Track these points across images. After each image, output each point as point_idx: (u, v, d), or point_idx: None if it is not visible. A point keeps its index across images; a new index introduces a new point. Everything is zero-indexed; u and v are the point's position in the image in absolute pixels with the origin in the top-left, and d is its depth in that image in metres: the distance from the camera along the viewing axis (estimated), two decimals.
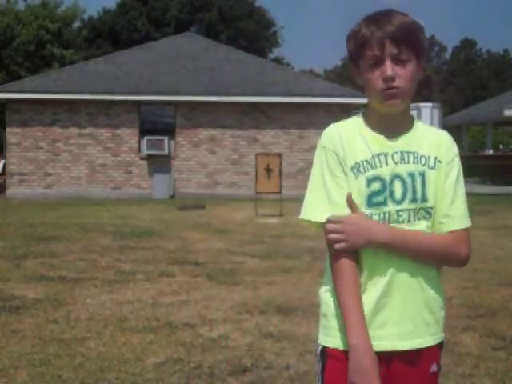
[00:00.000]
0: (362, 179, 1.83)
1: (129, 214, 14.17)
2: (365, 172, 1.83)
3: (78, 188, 20.02)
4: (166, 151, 19.88)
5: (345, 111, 20.58)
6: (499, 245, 9.82)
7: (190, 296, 6.30)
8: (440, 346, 1.92)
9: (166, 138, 19.91)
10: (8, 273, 7.43)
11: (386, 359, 1.83)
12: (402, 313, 1.83)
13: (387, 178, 1.83)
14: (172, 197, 19.78)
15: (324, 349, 1.90)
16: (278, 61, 45.92)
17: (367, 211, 1.82)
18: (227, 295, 6.34)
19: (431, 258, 1.84)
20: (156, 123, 20.79)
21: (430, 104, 22.00)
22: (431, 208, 1.84)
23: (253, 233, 11.20)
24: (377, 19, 1.80)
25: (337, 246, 1.77)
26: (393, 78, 1.77)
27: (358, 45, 1.82)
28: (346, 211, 1.82)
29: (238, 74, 21.51)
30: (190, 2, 46.87)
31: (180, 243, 9.85)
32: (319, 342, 1.93)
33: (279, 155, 14.50)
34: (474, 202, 17.13)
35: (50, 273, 7.40)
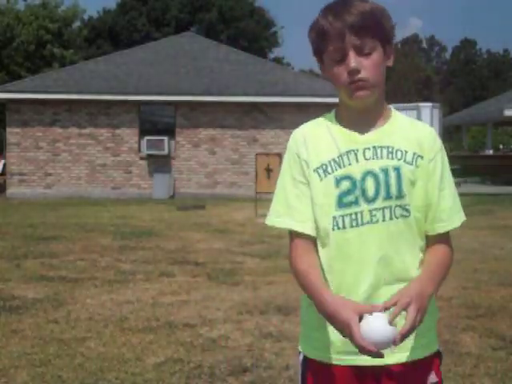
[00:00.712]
0: (331, 179, 1.72)
1: (129, 214, 14.17)
2: (333, 172, 1.72)
3: (77, 188, 20.02)
4: (166, 151, 19.88)
5: None
6: (499, 245, 9.81)
7: (190, 296, 6.30)
8: (438, 354, 1.80)
9: (166, 138, 19.90)
10: (8, 273, 7.43)
11: (375, 376, 1.72)
12: None
13: (358, 176, 1.71)
14: (172, 197, 19.78)
15: (305, 358, 1.82)
16: (278, 61, 45.90)
17: (338, 213, 1.71)
18: (227, 295, 6.34)
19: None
20: (156, 123, 20.79)
21: (429, 104, 21.98)
22: (409, 205, 1.71)
23: (253, 233, 11.20)
24: (335, 8, 1.69)
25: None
26: (358, 71, 1.66)
27: (318, 38, 1.72)
28: (304, 215, 1.75)
29: (238, 74, 21.51)
30: (190, 2, 46.87)
31: (180, 243, 9.85)
32: (300, 349, 1.85)
33: (279, 155, 14.49)
34: (474, 202, 17.09)
35: (50, 273, 7.40)
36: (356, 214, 1.71)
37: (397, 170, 1.71)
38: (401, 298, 1.59)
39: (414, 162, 1.73)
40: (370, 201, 1.70)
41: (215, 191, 20.15)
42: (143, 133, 20.11)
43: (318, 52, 1.75)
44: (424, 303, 1.62)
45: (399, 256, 1.73)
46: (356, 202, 1.70)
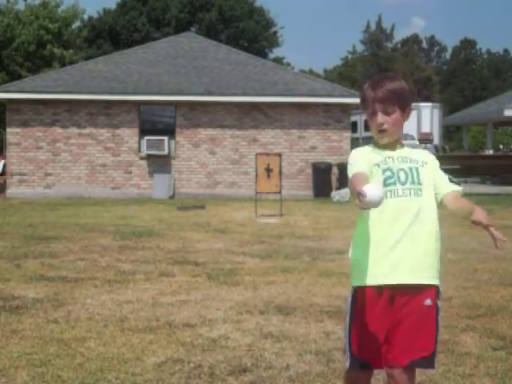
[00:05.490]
0: (380, 171, 2.84)
1: (129, 214, 14.17)
2: (381, 167, 2.85)
3: (77, 188, 20.02)
4: (166, 151, 19.88)
5: (344, 111, 20.57)
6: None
7: (190, 296, 6.30)
8: (436, 288, 2.83)
9: (166, 138, 19.90)
10: (8, 273, 7.43)
11: (390, 294, 2.77)
12: (409, 257, 2.78)
13: (395, 170, 2.85)
14: (172, 197, 19.78)
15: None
16: (278, 61, 45.88)
17: (384, 189, 2.72)
18: (227, 295, 6.34)
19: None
20: (156, 123, 20.79)
21: (429, 104, 21.97)
22: (421, 189, 2.83)
23: (253, 233, 11.20)
24: (372, 84, 2.84)
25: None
26: (382, 124, 2.82)
27: (362, 100, 2.89)
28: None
29: (238, 74, 21.51)
30: (189, 2, 46.89)
31: (180, 243, 9.85)
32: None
33: (279, 155, 14.50)
34: (474, 202, 17.06)
35: (49, 273, 7.40)
36: (393, 190, 2.82)
37: (416, 169, 2.86)
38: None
39: (423, 166, 2.89)
40: (402, 184, 2.83)
41: (215, 191, 20.15)
42: (143, 133, 20.11)
43: (363, 106, 2.91)
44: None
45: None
46: (394, 184, 2.83)
